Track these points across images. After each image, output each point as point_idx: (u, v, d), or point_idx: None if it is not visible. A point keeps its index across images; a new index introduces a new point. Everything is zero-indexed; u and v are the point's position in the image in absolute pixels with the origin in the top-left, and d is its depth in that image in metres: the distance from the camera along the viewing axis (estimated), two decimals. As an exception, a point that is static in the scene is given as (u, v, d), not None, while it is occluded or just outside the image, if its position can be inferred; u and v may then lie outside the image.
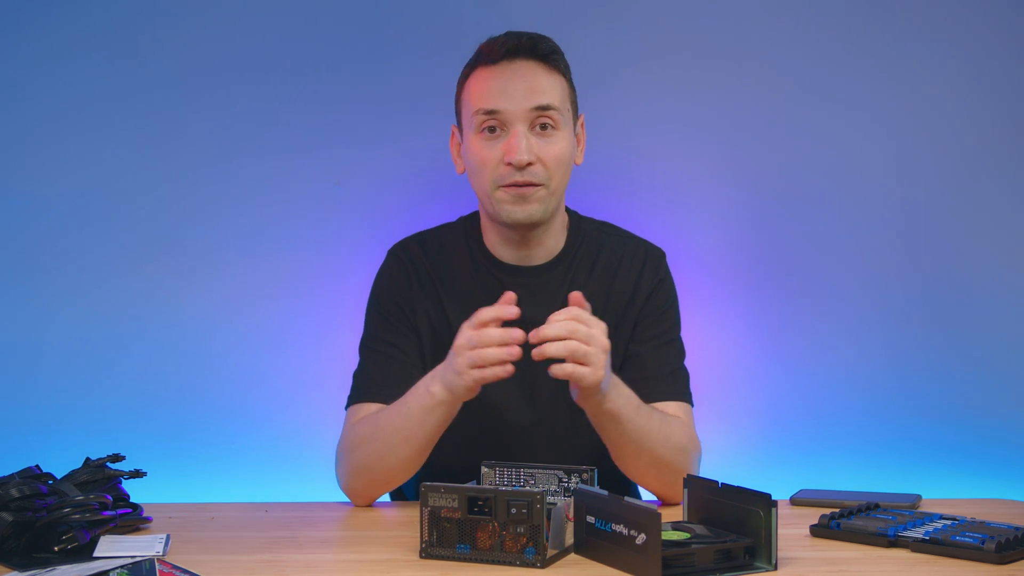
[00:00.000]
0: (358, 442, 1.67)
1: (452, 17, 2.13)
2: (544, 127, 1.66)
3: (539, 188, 1.66)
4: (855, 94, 2.13)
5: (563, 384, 1.69)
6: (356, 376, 1.77)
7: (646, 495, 1.77)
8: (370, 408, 1.70)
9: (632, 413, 1.59)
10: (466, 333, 1.53)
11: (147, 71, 2.11)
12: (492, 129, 1.66)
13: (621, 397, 1.58)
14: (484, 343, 1.51)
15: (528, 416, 1.74)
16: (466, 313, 1.72)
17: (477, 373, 1.52)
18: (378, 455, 1.64)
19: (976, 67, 2.12)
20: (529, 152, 1.64)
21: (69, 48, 2.10)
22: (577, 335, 1.48)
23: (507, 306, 1.52)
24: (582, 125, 1.76)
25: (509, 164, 1.64)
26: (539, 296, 1.74)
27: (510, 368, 1.51)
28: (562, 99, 1.69)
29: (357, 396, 1.74)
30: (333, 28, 2.13)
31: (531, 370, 1.70)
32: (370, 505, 1.70)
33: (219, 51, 2.12)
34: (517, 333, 1.50)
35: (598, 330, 1.51)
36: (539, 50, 1.69)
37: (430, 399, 1.59)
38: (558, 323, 1.49)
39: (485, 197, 1.69)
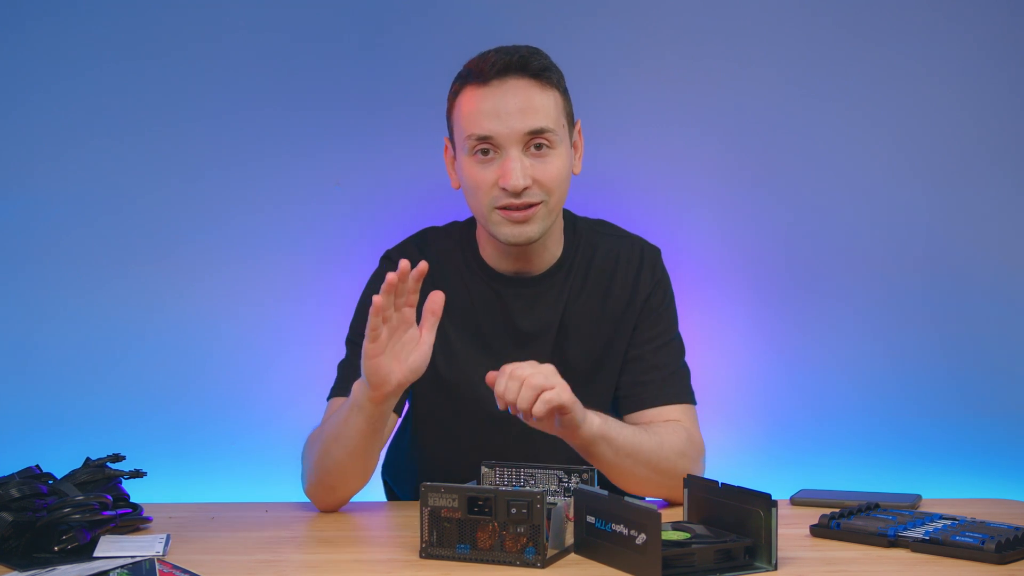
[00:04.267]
0: (308, 449, 1.64)
1: (452, 19, 2.13)
2: (539, 147, 1.62)
3: (538, 207, 1.63)
4: (855, 94, 2.13)
5: None
6: (340, 368, 1.75)
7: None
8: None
9: (617, 427, 1.57)
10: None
11: (147, 72, 2.11)
12: (486, 152, 1.62)
13: (598, 416, 1.56)
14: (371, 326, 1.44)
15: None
16: (464, 326, 1.72)
17: (368, 362, 1.46)
18: (320, 459, 1.61)
19: (976, 67, 2.13)
20: (524, 176, 1.60)
21: (70, 50, 2.10)
22: (521, 376, 1.46)
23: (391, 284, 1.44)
24: (579, 132, 1.72)
25: (504, 189, 1.61)
26: (538, 306, 1.74)
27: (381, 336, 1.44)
28: (556, 117, 1.64)
29: (339, 389, 1.72)
30: (333, 30, 2.13)
31: (507, 357, 1.70)
32: (335, 511, 1.66)
33: (219, 53, 2.12)
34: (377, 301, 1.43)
35: (527, 365, 1.48)
36: (531, 67, 1.61)
37: (351, 398, 1.54)
38: (503, 381, 1.47)
39: (482, 218, 1.66)
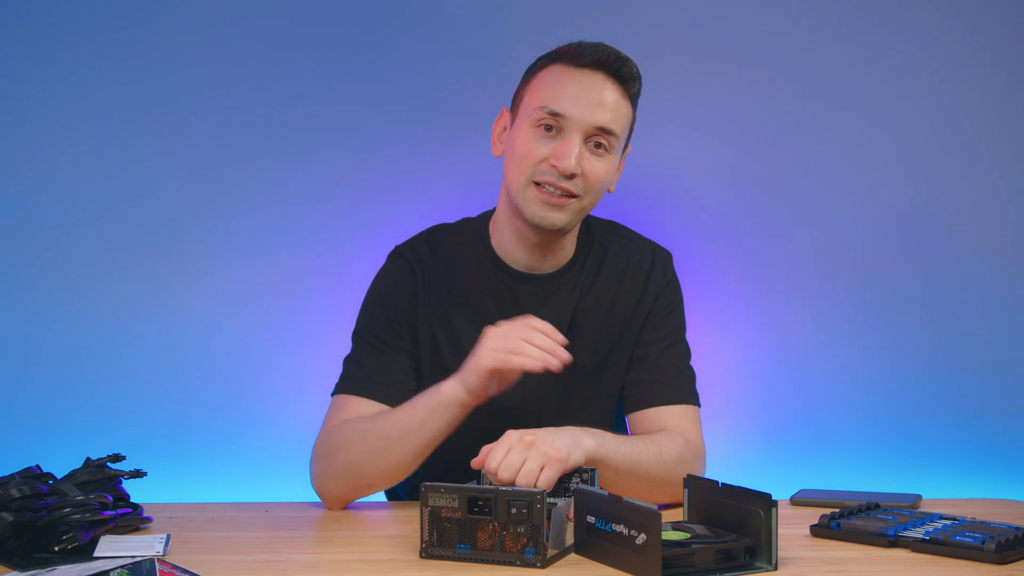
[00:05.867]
0: (345, 442, 1.64)
1: (452, 17, 2.13)
2: (598, 145, 1.66)
3: (573, 200, 1.66)
4: (855, 94, 2.13)
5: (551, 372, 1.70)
6: (348, 363, 1.75)
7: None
8: (357, 403, 1.68)
9: (614, 447, 1.56)
10: (507, 324, 1.57)
11: (147, 71, 2.11)
12: (549, 128, 1.65)
13: (594, 439, 1.54)
14: (529, 336, 1.53)
15: (514, 399, 1.72)
16: (474, 320, 1.72)
17: (501, 356, 1.54)
18: (370, 455, 1.62)
19: (976, 67, 2.12)
20: (577, 163, 1.63)
21: (69, 48, 2.10)
22: (515, 464, 1.43)
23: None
24: (625, 156, 1.75)
25: (554, 167, 1.64)
26: (550, 303, 1.74)
27: (538, 363, 1.53)
28: (623, 127, 1.68)
29: (347, 386, 1.71)
30: (333, 29, 2.13)
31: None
32: (344, 508, 1.67)
33: (219, 51, 2.12)
34: (560, 347, 1.55)
35: (508, 442, 1.46)
36: (622, 72, 1.67)
37: (438, 396, 1.59)
38: (505, 469, 1.44)
39: (516, 189, 1.67)
